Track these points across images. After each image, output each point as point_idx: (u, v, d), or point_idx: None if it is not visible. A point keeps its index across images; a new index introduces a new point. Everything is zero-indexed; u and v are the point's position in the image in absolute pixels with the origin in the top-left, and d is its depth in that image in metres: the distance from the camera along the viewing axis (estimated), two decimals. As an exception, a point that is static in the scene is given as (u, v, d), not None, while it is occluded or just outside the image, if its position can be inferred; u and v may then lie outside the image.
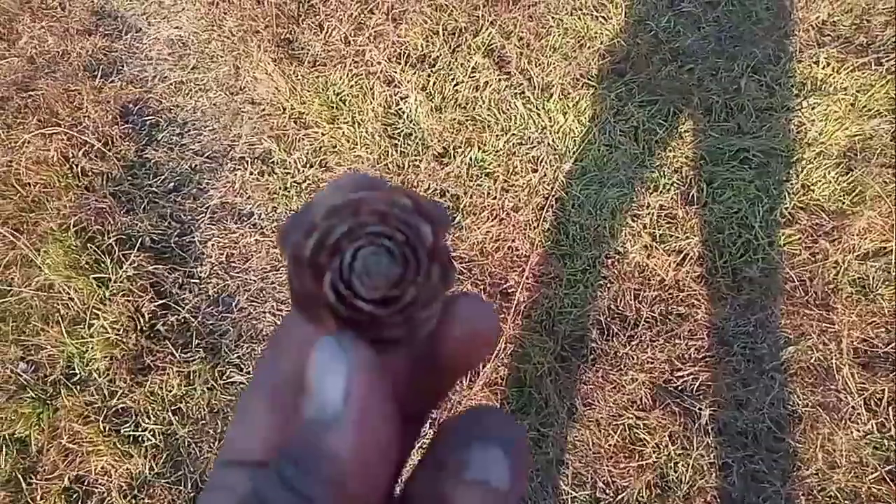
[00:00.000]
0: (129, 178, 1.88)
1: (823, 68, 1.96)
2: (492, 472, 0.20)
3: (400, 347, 0.22)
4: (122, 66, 2.14)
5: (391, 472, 0.20)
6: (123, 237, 1.73)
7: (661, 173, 1.83)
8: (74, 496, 1.41)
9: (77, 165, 1.87)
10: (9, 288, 1.66)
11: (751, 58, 2.00)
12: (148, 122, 2.02)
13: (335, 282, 0.21)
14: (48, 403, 1.51)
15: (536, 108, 1.95)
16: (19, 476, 1.41)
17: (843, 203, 1.74)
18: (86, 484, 1.42)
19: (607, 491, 1.40)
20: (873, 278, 1.61)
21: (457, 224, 1.75)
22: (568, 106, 1.94)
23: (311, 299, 0.22)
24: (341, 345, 0.19)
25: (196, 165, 1.92)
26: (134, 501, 1.39)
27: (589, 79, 2.00)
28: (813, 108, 1.90)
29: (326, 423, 0.18)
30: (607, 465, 1.42)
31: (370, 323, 0.21)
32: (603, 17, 2.11)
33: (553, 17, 2.11)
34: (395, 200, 0.22)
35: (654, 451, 1.43)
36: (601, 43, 2.08)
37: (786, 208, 1.74)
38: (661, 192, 1.79)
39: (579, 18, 2.11)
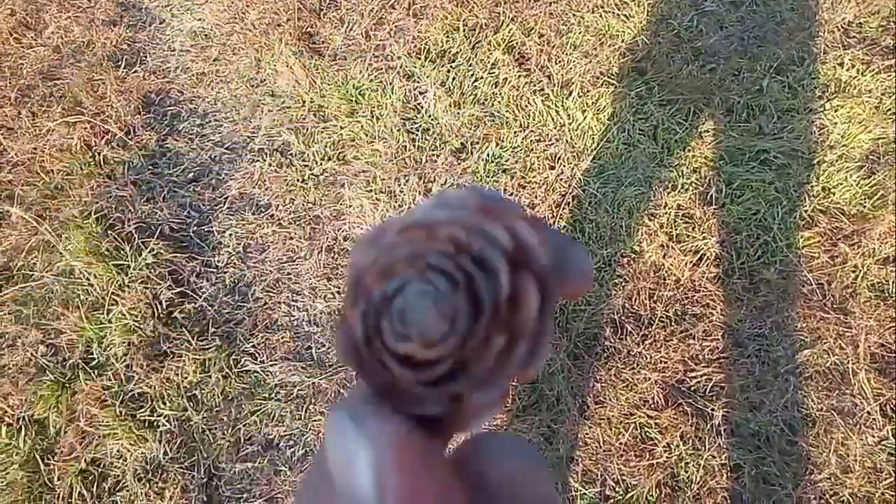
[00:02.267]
0: (150, 167, 1.91)
1: (848, 70, 1.93)
2: None
3: (443, 431, 0.17)
4: (146, 57, 2.16)
5: None
6: (143, 225, 1.75)
7: (680, 173, 1.81)
8: (90, 478, 1.43)
9: (99, 154, 1.90)
10: (31, 272, 1.69)
11: (774, 58, 1.98)
12: (169, 113, 2.04)
13: (367, 316, 0.17)
14: (66, 387, 1.53)
15: (555, 105, 1.94)
16: (37, 457, 1.44)
17: (864, 207, 1.71)
18: (102, 466, 1.45)
19: (617, 489, 1.39)
20: (893, 283, 1.59)
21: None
22: (587, 104, 1.94)
23: (351, 333, 0.17)
24: (354, 417, 0.16)
25: (216, 156, 1.94)
26: (148, 485, 1.41)
27: (609, 77, 1.99)
28: (836, 111, 1.87)
29: None
30: (618, 464, 1.42)
31: (402, 385, 0.17)
32: (625, 15, 2.10)
33: (574, 15, 2.10)
34: (487, 231, 0.17)
35: (665, 451, 1.42)
36: (622, 41, 2.06)
37: (805, 211, 1.72)
38: (679, 191, 1.78)
39: (600, 16, 2.10)
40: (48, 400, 1.51)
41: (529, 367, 0.17)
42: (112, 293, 1.63)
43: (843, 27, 2.02)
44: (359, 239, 0.18)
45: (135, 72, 2.12)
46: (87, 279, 1.66)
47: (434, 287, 0.16)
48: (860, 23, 2.03)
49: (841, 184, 1.75)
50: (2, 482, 1.41)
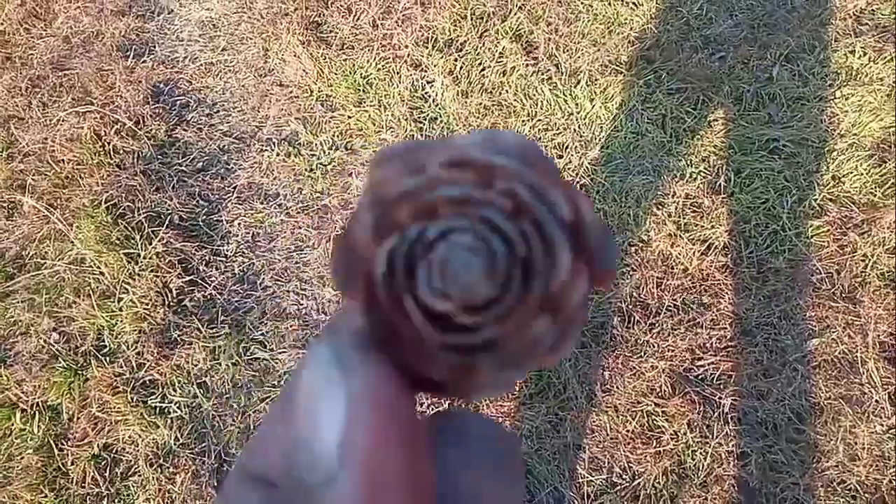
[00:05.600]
0: (160, 156, 1.92)
1: (860, 58, 1.91)
2: None
3: (441, 394, 0.16)
4: (154, 47, 2.17)
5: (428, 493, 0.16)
6: (153, 214, 1.77)
7: (688, 162, 1.81)
8: (103, 463, 1.45)
9: (109, 143, 1.91)
10: (43, 261, 1.71)
11: (784, 46, 1.97)
12: (178, 103, 2.05)
13: (395, 256, 0.15)
14: (79, 373, 1.55)
15: (563, 94, 1.94)
16: (51, 441, 1.46)
17: (875, 196, 1.70)
18: (114, 452, 1.47)
19: (624, 476, 1.40)
20: (903, 272, 1.58)
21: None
22: (595, 92, 1.93)
23: (356, 258, 0.15)
24: (341, 362, 0.14)
25: (224, 146, 1.95)
26: (160, 470, 1.43)
27: (617, 65, 1.98)
28: (847, 99, 1.86)
29: (318, 482, 0.14)
30: (624, 451, 1.42)
31: (414, 339, 0.15)
32: (633, 3, 2.09)
33: (582, 3, 2.09)
34: (549, 196, 0.15)
35: (672, 439, 1.42)
36: (631, 29, 2.05)
37: (815, 200, 1.71)
38: (687, 180, 1.78)
39: (609, 4, 2.09)
40: (61, 386, 1.53)
41: (556, 355, 0.15)
42: (123, 281, 1.65)
43: (855, 14, 2.00)
44: (386, 154, 0.15)
45: (143, 62, 2.13)
46: (98, 268, 1.68)
47: (487, 245, 0.14)
48: (873, 10, 2.01)
49: (851, 172, 1.74)
50: (17, 466, 1.44)
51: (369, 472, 0.14)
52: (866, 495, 1.34)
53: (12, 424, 1.49)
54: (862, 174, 1.73)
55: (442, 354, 0.14)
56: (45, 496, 1.40)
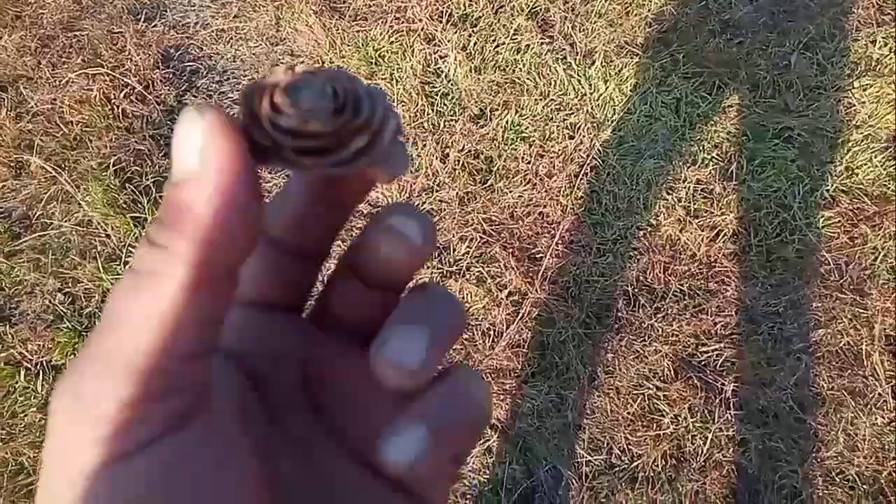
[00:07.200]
0: (169, 122, 1.90)
1: (880, 48, 1.88)
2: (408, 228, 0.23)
3: (278, 162, 0.21)
4: (165, 11, 2.15)
5: (252, 244, 0.20)
6: (161, 179, 1.76)
7: (701, 147, 1.79)
8: (105, 424, 1.46)
9: (118, 107, 1.90)
10: (49, 221, 1.71)
11: (804, 34, 1.94)
12: (188, 69, 2.03)
13: (255, 96, 0.21)
14: (83, 335, 1.56)
15: (577, 74, 1.91)
16: (54, 401, 1.47)
17: (888, 188, 1.69)
18: (116, 413, 1.48)
19: (623, 457, 1.41)
20: (913, 266, 1.57)
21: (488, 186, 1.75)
22: (610, 74, 1.91)
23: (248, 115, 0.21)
24: (199, 111, 0.18)
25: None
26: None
27: (633, 47, 1.95)
28: (865, 90, 1.83)
29: (184, 180, 0.18)
30: (624, 433, 1.43)
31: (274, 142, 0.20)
32: (652, -16, 2.05)
33: (600, -18, 2.06)
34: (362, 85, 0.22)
35: (672, 423, 1.43)
36: (649, 11, 2.02)
37: (827, 190, 1.70)
38: (699, 166, 1.76)
39: (628, -16, 2.05)
40: (65, 347, 1.53)
41: (371, 160, 0.21)
42: (129, 245, 1.65)
43: (878, 3, 1.97)
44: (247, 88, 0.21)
45: (154, 26, 2.11)
46: (105, 230, 1.67)
47: (330, 87, 0.21)
48: None
49: (865, 164, 1.72)
50: (21, 423, 1.44)
51: (218, 167, 0.18)
52: (864, 486, 1.34)
53: (16, 382, 1.49)
54: (876, 166, 1.71)
55: (296, 157, 0.20)
56: (48, 454, 1.41)
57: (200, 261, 0.18)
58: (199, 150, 0.18)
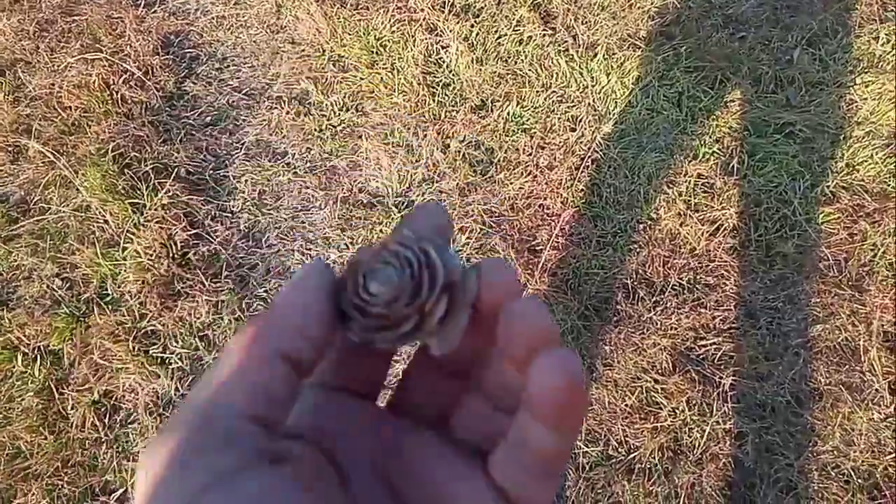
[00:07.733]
0: (168, 108, 1.89)
1: (883, 45, 1.88)
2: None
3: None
4: (166, -3, 2.13)
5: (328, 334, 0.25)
6: (159, 166, 1.75)
7: (702, 142, 1.79)
8: (103, 409, 1.46)
9: (117, 92, 1.88)
10: (48, 206, 1.70)
11: (806, 29, 1.93)
12: (188, 55, 2.02)
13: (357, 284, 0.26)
14: (81, 320, 1.55)
15: (579, 66, 1.91)
16: (52, 385, 1.47)
17: (888, 185, 1.69)
18: (114, 399, 1.47)
19: (620, 449, 1.41)
20: (912, 263, 1.57)
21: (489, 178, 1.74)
22: (612, 66, 1.90)
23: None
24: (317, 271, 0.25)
25: (233, 101, 1.92)
26: (159, 419, 1.44)
27: (636, 40, 1.95)
28: (867, 86, 1.83)
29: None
30: (622, 425, 1.43)
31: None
32: (656, -23, 2.05)
33: (604, -26, 2.05)
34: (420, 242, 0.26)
35: (669, 415, 1.43)
36: (651, 3, 2.02)
37: (828, 186, 1.70)
38: (700, 160, 1.76)
39: (631, -23, 2.04)
40: (63, 332, 1.53)
41: (444, 337, 0.25)
42: (127, 231, 1.64)
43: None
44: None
45: (154, 12, 2.09)
46: (103, 216, 1.66)
47: (403, 270, 0.25)
48: (899, -3, 1.97)
49: (866, 161, 1.72)
50: (18, 408, 1.44)
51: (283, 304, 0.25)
52: (859, 481, 1.35)
53: (13, 367, 1.49)
54: (877, 163, 1.71)
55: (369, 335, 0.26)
56: (45, 438, 1.41)
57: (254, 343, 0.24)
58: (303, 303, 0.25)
